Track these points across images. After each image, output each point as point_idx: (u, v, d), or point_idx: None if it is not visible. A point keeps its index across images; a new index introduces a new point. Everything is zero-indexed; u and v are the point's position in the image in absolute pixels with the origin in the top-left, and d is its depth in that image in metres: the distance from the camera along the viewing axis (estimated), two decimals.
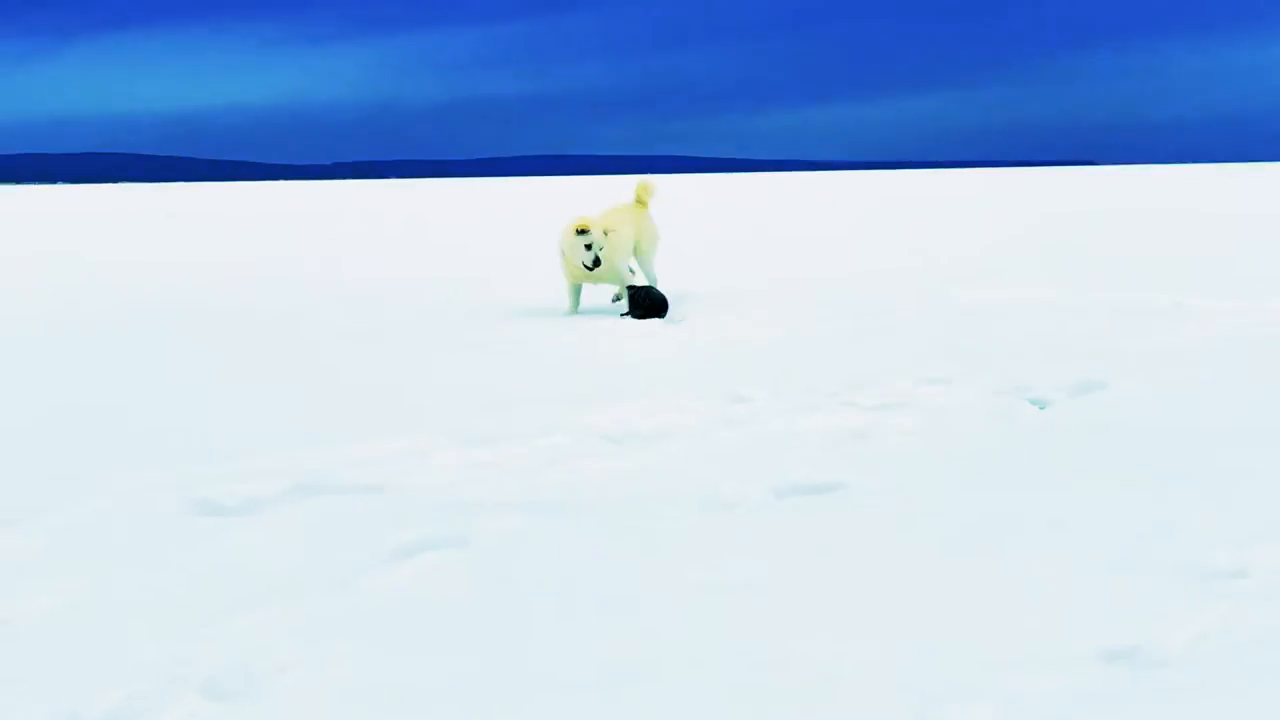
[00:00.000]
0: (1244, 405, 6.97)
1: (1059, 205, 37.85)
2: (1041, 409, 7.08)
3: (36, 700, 3.29)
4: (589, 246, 11.24)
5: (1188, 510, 4.85)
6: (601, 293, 12.09)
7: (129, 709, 3.30)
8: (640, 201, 12.44)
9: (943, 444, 6.26)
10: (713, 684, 3.32)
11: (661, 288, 11.75)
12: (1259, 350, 8.82)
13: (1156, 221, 27.06)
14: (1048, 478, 5.48)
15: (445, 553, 4.55)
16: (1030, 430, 6.63)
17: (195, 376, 8.70)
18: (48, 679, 3.43)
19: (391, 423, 6.79)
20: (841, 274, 15.35)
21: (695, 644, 3.59)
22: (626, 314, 11.35)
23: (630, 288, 11.52)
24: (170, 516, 5.09)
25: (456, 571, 4.36)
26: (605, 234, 11.35)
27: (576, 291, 11.83)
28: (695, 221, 28.11)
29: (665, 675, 3.38)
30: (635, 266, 12.09)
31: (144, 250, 24.13)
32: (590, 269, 11.33)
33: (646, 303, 11.35)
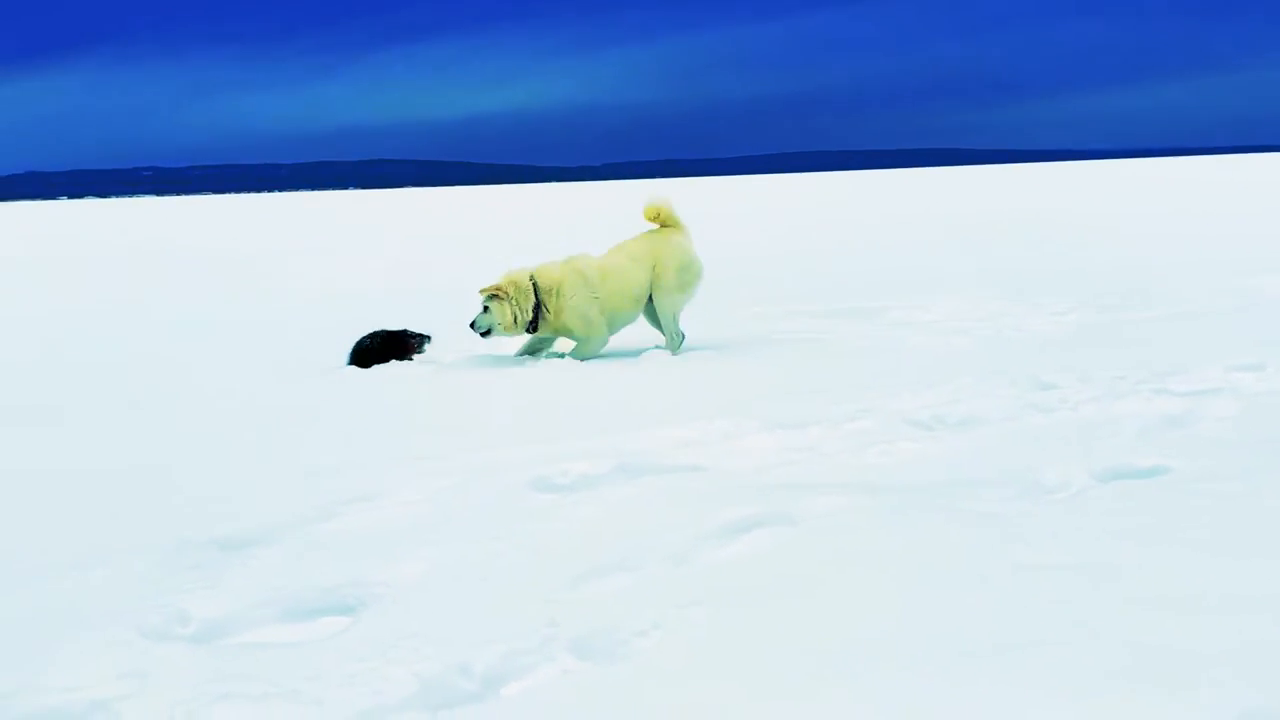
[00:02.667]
0: None
1: None
2: None
3: (432, 652, 3.61)
4: (486, 309, 9.37)
5: None
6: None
7: (511, 663, 3.59)
8: (667, 224, 9.98)
9: (1263, 428, 6.11)
10: (1062, 663, 3.37)
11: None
12: None
13: None
14: None
15: (776, 529, 4.73)
16: None
17: (518, 366, 9.20)
18: (435, 634, 3.76)
19: (703, 409, 7.03)
20: (1137, 262, 14.96)
21: (1038, 623, 3.64)
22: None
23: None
24: (511, 492, 5.42)
25: (790, 547, 4.52)
26: (505, 291, 9.30)
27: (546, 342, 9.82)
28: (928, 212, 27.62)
29: (1013, 652, 3.44)
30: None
31: (460, 247, 25.25)
32: (483, 335, 9.41)
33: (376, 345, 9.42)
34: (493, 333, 9.38)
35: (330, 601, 4.16)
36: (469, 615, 3.94)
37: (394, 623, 3.90)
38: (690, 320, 10.35)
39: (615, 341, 9.79)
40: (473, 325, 9.40)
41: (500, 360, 9.43)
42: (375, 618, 3.96)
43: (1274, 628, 3.48)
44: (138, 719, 3.21)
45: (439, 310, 11.53)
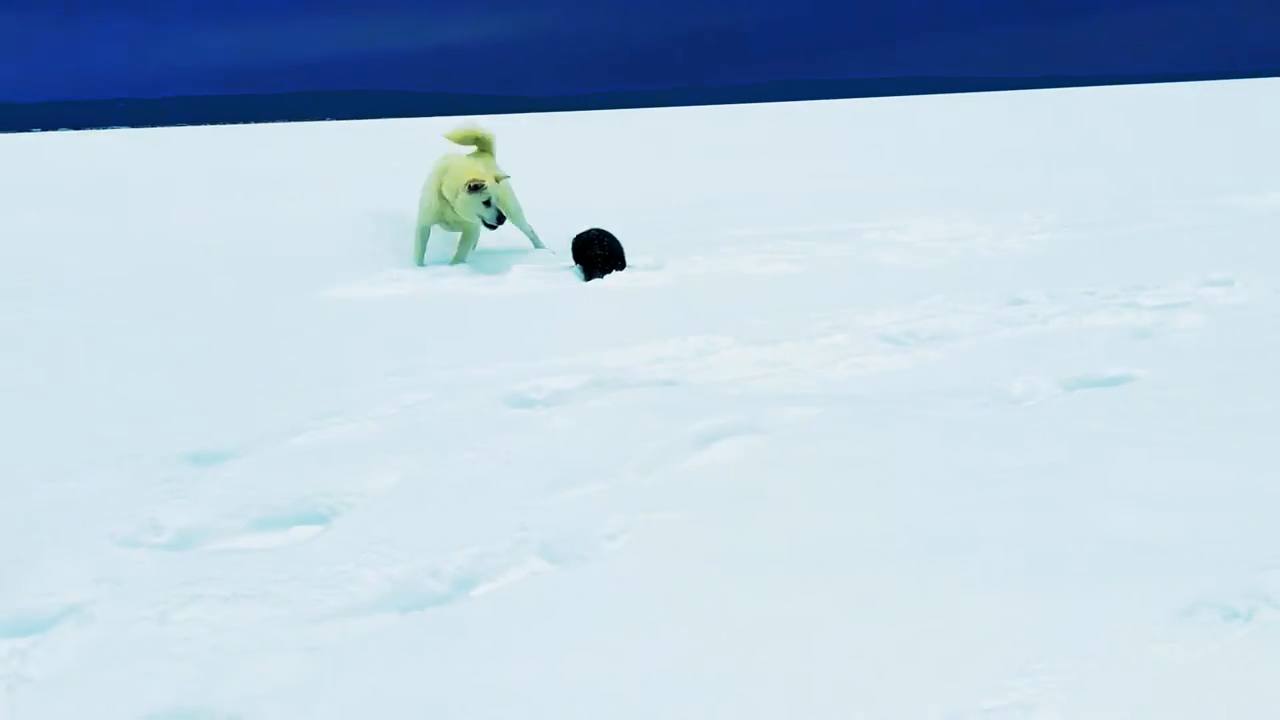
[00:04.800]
0: None
1: None
2: None
3: (402, 557, 3.66)
4: (488, 203, 9.67)
5: None
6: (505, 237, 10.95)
7: (481, 566, 3.65)
8: (485, 150, 10.65)
9: (1232, 340, 6.17)
10: (1024, 555, 3.43)
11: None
12: None
13: None
14: None
15: (745, 438, 4.77)
16: None
17: (498, 286, 9.20)
18: (406, 540, 3.81)
19: (677, 327, 7.06)
20: (1109, 184, 14.99)
21: (1002, 520, 3.70)
22: (589, 277, 9.41)
23: (580, 240, 9.81)
24: (485, 407, 5.45)
25: (761, 455, 4.56)
26: (497, 182, 9.90)
27: (425, 237, 10.31)
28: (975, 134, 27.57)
29: (980, 547, 3.50)
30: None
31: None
32: (494, 226, 9.81)
33: (604, 253, 9.56)
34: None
35: (302, 511, 4.20)
36: (440, 522, 3.98)
37: (365, 530, 3.94)
38: (665, 244, 10.34)
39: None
40: (492, 224, 9.74)
41: (473, 279, 9.42)
42: (347, 525, 4.01)
43: (1229, 522, 3.55)
44: (110, 621, 3.25)
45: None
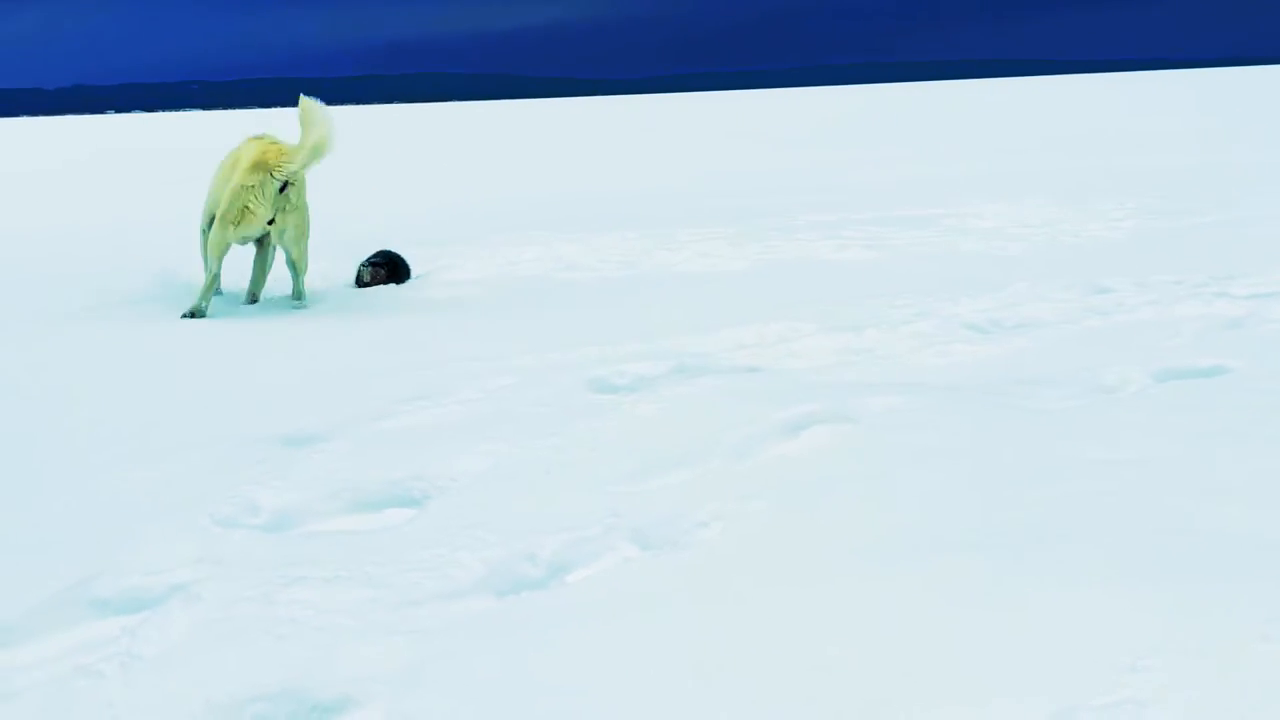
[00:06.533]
0: None
1: None
2: None
3: (497, 541, 3.68)
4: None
5: None
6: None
7: (575, 551, 3.66)
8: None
9: None
10: (1112, 550, 3.38)
11: None
12: None
13: None
14: None
15: (835, 426, 4.75)
16: None
17: (573, 271, 9.23)
18: (500, 524, 3.82)
19: (759, 313, 7.04)
20: (1188, 170, 14.76)
21: (1107, 513, 3.65)
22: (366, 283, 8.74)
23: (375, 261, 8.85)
24: (569, 392, 5.47)
25: (850, 443, 4.54)
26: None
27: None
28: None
29: (1078, 540, 3.46)
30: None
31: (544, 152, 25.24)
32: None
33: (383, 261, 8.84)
34: None
35: (396, 494, 4.23)
36: (532, 507, 4.00)
37: (459, 514, 3.97)
38: (741, 230, 10.30)
39: (665, 253, 9.79)
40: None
41: (548, 268, 9.44)
42: (440, 509, 4.04)
43: None
44: (216, 600, 3.30)
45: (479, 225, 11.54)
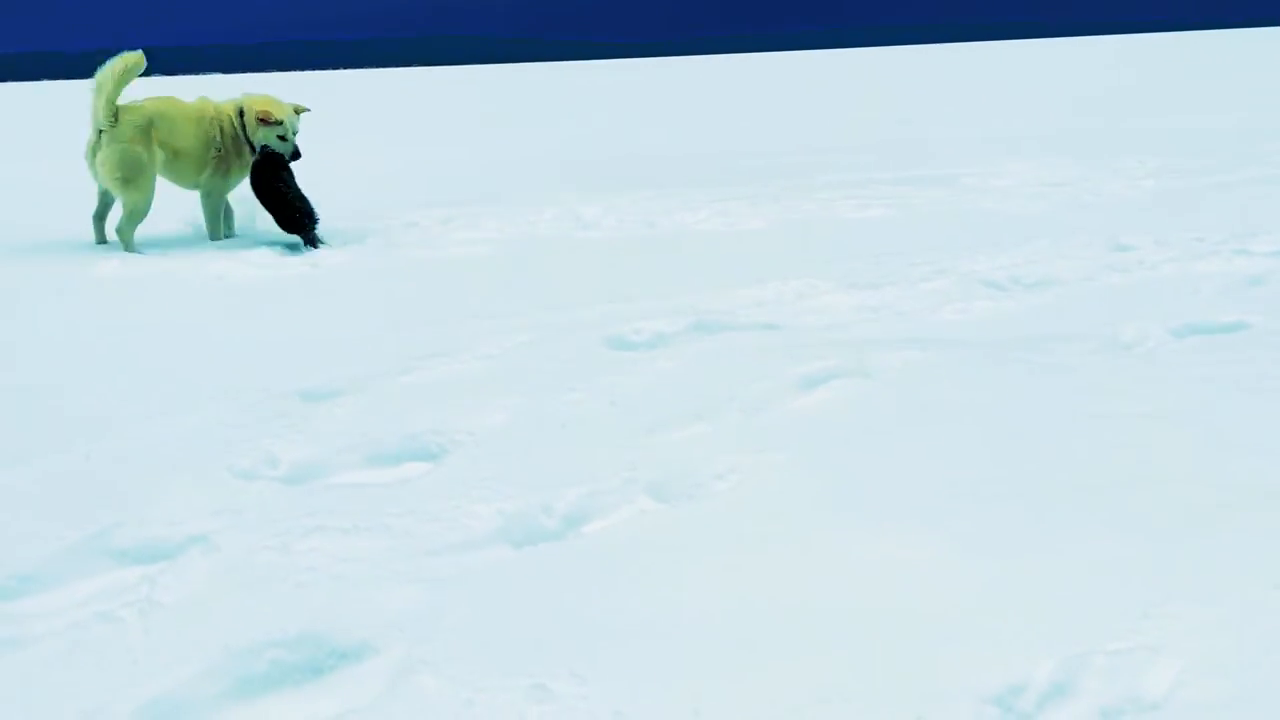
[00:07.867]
0: None
1: None
2: None
3: (514, 493, 3.70)
4: (283, 138, 8.71)
5: None
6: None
7: (591, 504, 3.67)
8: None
9: None
10: (1132, 502, 3.39)
11: None
12: None
13: None
14: None
15: (852, 381, 4.75)
16: None
17: (588, 230, 9.21)
18: (517, 478, 3.84)
19: (777, 270, 7.03)
20: (1207, 130, 14.64)
21: (1124, 465, 3.66)
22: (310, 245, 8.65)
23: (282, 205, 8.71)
24: (587, 348, 5.48)
25: (867, 398, 4.55)
26: (297, 114, 8.83)
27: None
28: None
29: (1094, 492, 3.47)
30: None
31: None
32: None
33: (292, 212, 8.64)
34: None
35: (414, 447, 4.25)
36: (548, 461, 4.01)
37: (476, 466, 3.98)
38: (761, 190, 10.23)
39: (685, 213, 9.77)
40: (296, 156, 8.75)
41: (567, 228, 9.43)
42: (458, 462, 4.05)
43: None
44: (235, 550, 3.32)
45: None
